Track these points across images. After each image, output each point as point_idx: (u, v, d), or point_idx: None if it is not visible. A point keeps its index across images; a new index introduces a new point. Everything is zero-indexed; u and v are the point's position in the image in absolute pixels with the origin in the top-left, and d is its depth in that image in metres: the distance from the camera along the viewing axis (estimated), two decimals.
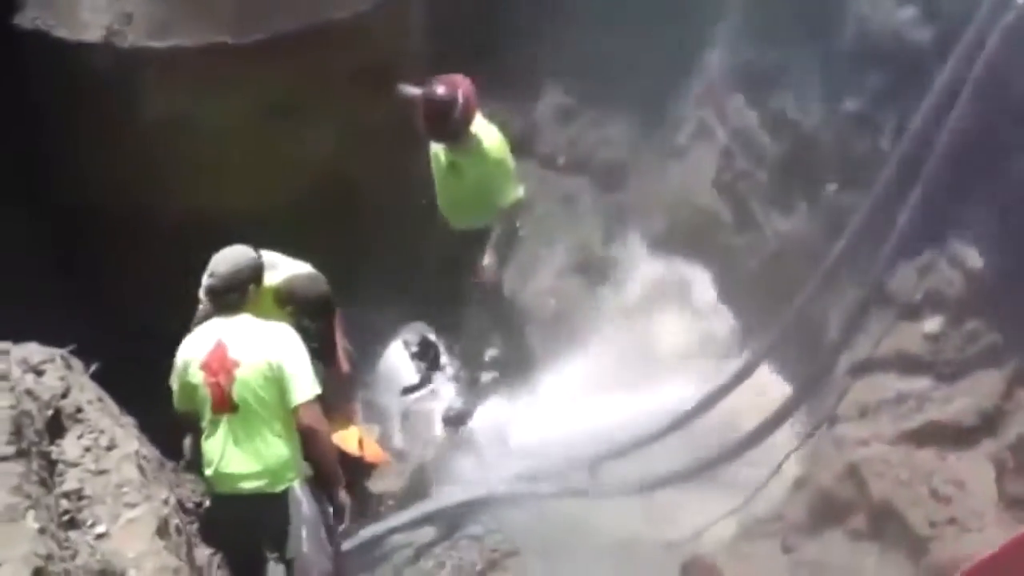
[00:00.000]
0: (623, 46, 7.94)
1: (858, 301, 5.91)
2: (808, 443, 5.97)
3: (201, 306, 5.57)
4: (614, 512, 6.42)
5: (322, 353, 5.94)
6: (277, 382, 5.16)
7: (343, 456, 6.04)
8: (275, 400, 5.18)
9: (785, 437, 6.21)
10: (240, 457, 5.28)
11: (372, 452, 6.59)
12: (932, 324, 5.72)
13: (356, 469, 6.31)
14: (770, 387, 6.59)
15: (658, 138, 8.23)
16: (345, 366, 6.21)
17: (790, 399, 6.14)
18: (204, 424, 5.28)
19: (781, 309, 6.47)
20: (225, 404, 5.19)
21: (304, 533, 5.37)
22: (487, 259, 6.95)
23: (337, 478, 5.47)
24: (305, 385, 5.19)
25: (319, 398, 5.30)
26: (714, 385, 6.42)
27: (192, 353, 5.25)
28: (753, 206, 7.25)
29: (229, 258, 5.37)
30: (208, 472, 5.33)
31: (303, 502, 5.34)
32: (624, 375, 6.97)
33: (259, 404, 5.17)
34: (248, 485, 5.28)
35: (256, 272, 5.40)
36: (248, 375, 5.14)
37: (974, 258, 5.60)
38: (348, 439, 6.31)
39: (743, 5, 7.41)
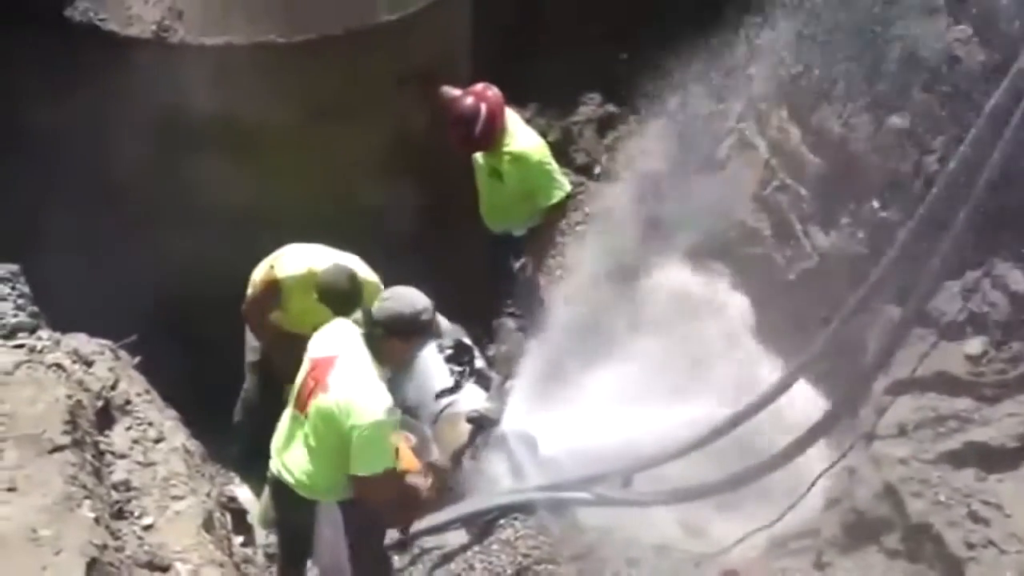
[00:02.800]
0: (663, 56, 7.95)
1: (900, 320, 5.88)
2: (845, 459, 5.93)
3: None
4: (646, 522, 6.43)
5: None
6: (341, 439, 5.11)
7: None
8: (335, 442, 5.15)
9: (821, 453, 6.18)
10: (293, 454, 5.34)
11: (406, 460, 6.63)
12: (974, 345, 5.69)
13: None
14: (807, 402, 6.57)
15: (697, 150, 8.24)
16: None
17: (828, 415, 6.11)
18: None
19: (819, 325, 6.45)
20: (303, 407, 5.24)
21: (320, 545, 5.45)
22: (526, 261, 7.03)
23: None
24: (365, 462, 5.10)
25: None
26: (751, 398, 6.39)
27: (320, 341, 5.37)
28: (793, 221, 7.26)
29: (413, 302, 5.30)
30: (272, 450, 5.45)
31: (327, 516, 5.39)
32: (658, 386, 6.94)
33: (323, 432, 5.19)
34: (290, 479, 5.34)
35: (430, 327, 5.39)
36: (326, 406, 5.13)
37: (1018, 280, 5.59)
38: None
39: (788, 18, 7.41)
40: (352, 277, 6.12)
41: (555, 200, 7.04)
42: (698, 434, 6.27)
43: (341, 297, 6.07)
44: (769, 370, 6.90)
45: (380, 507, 5.37)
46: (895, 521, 5.54)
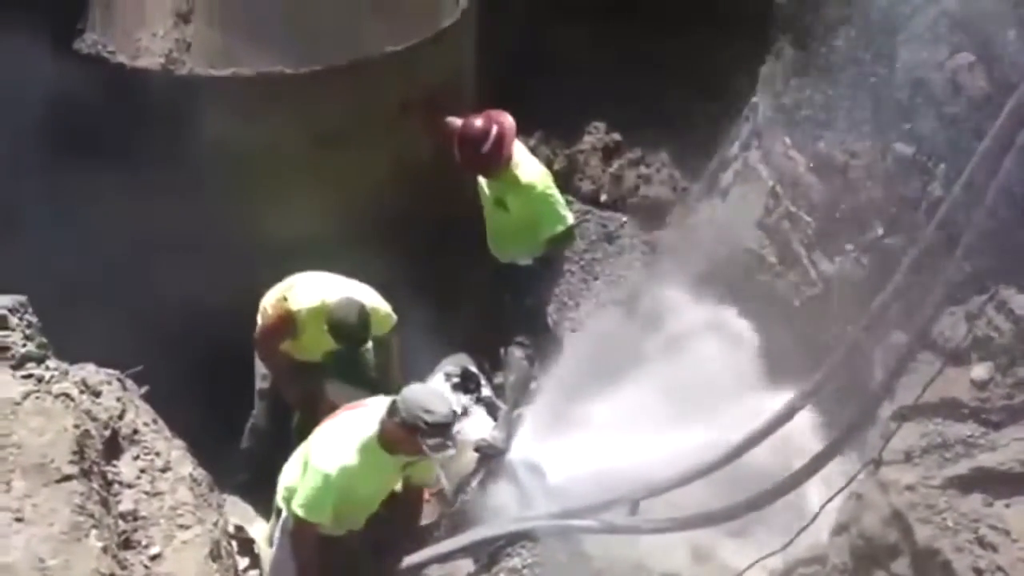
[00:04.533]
0: (668, 84, 7.99)
1: (905, 346, 5.88)
2: (852, 485, 5.92)
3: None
4: (654, 549, 6.42)
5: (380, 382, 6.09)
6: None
7: None
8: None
9: (828, 479, 6.17)
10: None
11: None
12: (980, 371, 5.67)
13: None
14: (812, 429, 6.57)
15: (702, 177, 8.26)
16: None
17: (834, 442, 6.09)
18: None
19: (824, 352, 6.45)
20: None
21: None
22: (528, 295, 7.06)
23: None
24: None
25: None
26: (756, 425, 6.38)
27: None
28: (798, 248, 7.26)
29: (444, 402, 5.63)
30: None
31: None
32: (663, 413, 6.95)
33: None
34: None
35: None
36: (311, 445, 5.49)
37: (1023, 305, 5.59)
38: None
39: (792, 46, 7.44)
40: (362, 311, 6.19)
41: (557, 232, 7.05)
42: (705, 461, 6.26)
43: (351, 332, 6.16)
44: (775, 397, 6.89)
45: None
46: (903, 547, 5.51)
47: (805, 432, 6.48)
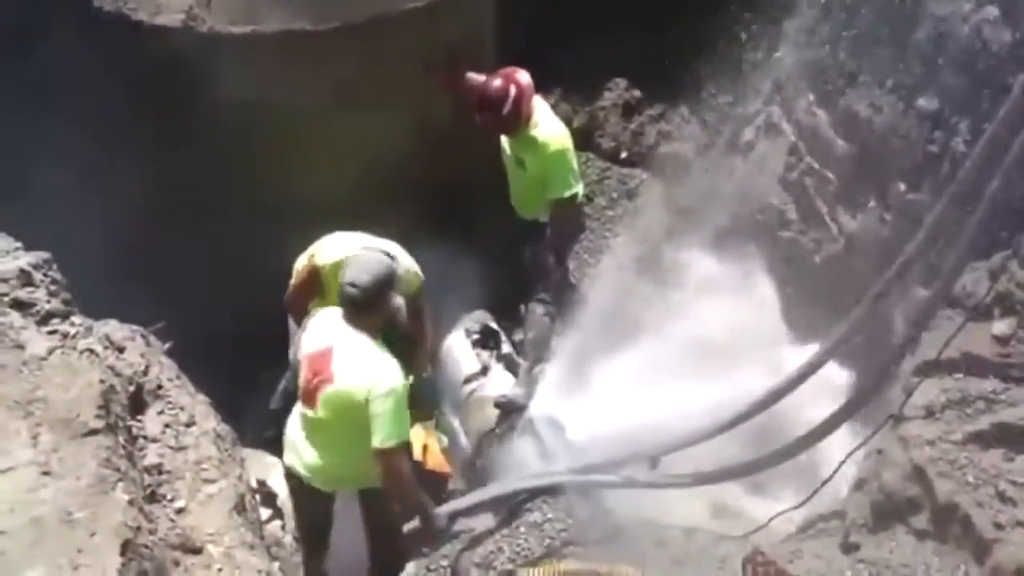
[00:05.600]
0: (689, 40, 7.94)
1: (927, 301, 5.87)
2: (872, 441, 5.93)
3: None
4: (675, 504, 6.45)
5: (412, 336, 6.09)
6: (358, 415, 5.18)
7: None
8: (351, 426, 5.25)
9: (848, 435, 6.18)
10: (307, 450, 5.44)
11: (435, 462, 6.70)
12: (1002, 326, 5.67)
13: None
14: (833, 384, 6.57)
15: (724, 134, 8.24)
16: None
17: (855, 397, 6.09)
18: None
19: (846, 308, 6.43)
20: (311, 403, 5.30)
21: (339, 539, 5.51)
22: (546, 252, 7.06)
23: (415, 513, 5.57)
24: (385, 432, 5.16)
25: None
26: (778, 381, 6.38)
27: (310, 335, 5.42)
28: (820, 204, 7.25)
29: (369, 267, 5.36)
30: (284, 446, 5.48)
31: (347, 509, 5.46)
32: (684, 368, 6.95)
33: (336, 421, 5.30)
34: (305, 473, 5.42)
35: (392, 282, 5.41)
36: (336, 394, 5.23)
37: None
38: (414, 443, 6.42)
39: (814, 1, 7.39)
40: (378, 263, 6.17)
41: (559, 195, 7.02)
42: (726, 416, 6.26)
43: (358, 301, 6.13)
44: (797, 352, 6.89)
45: (407, 496, 5.45)
46: (923, 502, 5.52)
47: (827, 388, 6.48)
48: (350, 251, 6.17)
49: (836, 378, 6.60)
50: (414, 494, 5.53)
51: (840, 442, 6.12)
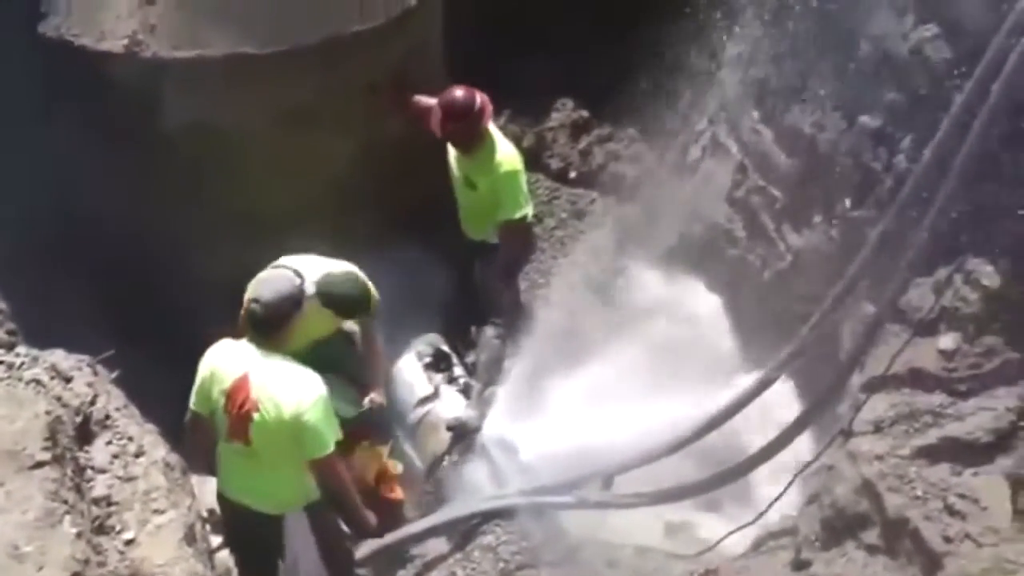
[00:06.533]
0: (635, 61, 7.99)
1: (873, 317, 5.93)
2: (822, 457, 5.98)
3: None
4: (627, 525, 6.47)
5: (365, 360, 6.04)
6: (292, 434, 5.15)
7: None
8: (288, 448, 5.21)
9: (797, 451, 6.23)
10: (246, 483, 5.40)
11: (390, 488, 6.68)
12: (947, 340, 5.72)
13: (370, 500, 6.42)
14: (781, 402, 6.62)
15: (670, 153, 8.29)
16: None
17: (803, 414, 6.15)
18: (219, 440, 5.34)
19: (793, 325, 6.49)
20: (240, 436, 5.24)
21: (296, 557, 5.48)
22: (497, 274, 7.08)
23: (359, 525, 5.59)
24: (319, 441, 5.16)
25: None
26: (727, 399, 6.42)
27: (220, 367, 5.27)
28: (766, 221, 7.30)
29: (272, 285, 5.31)
30: (218, 481, 5.43)
31: (297, 526, 5.43)
32: (634, 388, 6.97)
33: (272, 446, 5.23)
34: (249, 502, 5.38)
35: (298, 301, 5.34)
36: (264, 420, 5.16)
37: (990, 275, 5.63)
38: (367, 472, 6.41)
39: (758, 20, 7.46)
40: (359, 277, 6.15)
41: (510, 217, 7.02)
42: (678, 435, 6.31)
43: (354, 299, 6.16)
44: (747, 370, 6.94)
45: (349, 502, 5.44)
46: (873, 517, 5.57)
47: (776, 405, 6.52)
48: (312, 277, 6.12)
49: (785, 395, 6.65)
50: (354, 496, 5.52)
51: (791, 459, 6.17)
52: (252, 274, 5.83)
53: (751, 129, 7.46)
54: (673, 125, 8.16)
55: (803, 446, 6.27)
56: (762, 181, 7.38)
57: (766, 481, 6.32)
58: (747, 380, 6.45)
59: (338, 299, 6.08)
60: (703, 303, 7.80)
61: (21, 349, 4.61)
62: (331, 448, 5.20)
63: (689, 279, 7.87)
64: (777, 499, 6.01)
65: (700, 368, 7.25)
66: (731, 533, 6.16)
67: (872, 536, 5.60)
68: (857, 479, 5.69)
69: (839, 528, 5.77)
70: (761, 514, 6.08)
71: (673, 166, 8.23)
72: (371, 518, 5.61)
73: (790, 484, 5.99)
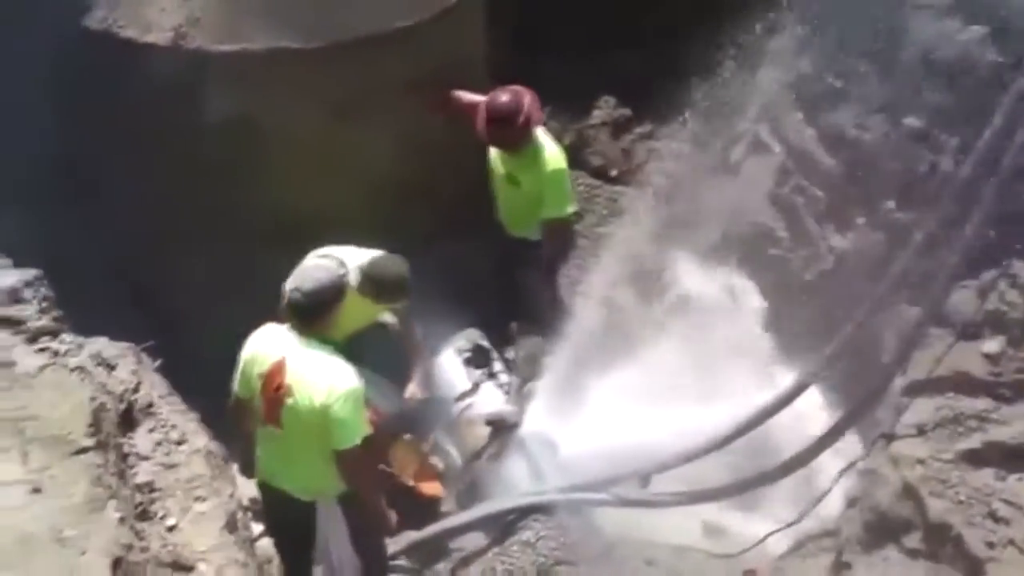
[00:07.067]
0: (678, 59, 7.97)
1: (917, 320, 5.88)
2: (864, 460, 5.94)
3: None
4: (666, 524, 6.45)
5: (405, 355, 6.04)
6: (321, 422, 5.16)
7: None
8: (317, 435, 5.21)
9: (840, 454, 6.19)
10: (279, 467, 5.41)
11: (429, 484, 6.69)
12: (992, 345, 5.69)
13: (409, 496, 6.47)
14: (823, 403, 6.58)
15: (712, 152, 8.25)
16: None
17: (846, 415, 6.11)
18: (258, 424, 5.37)
19: (834, 326, 6.45)
20: (273, 420, 5.26)
21: (328, 545, 5.49)
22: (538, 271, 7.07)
23: (378, 522, 5.57)
24: (344, 435, 5.17)
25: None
26: (766, 399, 6.39)
27: (260, 351, 5.29)
28: (808, 222, 7.27)
29: (314, 275, 5.32)
30: (257, 465, 5.46)
31: (330, 514, 5.44)
32: (674, 387, 6.96)
33: (302, 432, 5.24)
34: (283, 486, 5.40)
35: (340, 290, 5.35)
36: (296, 405, 5.18)
37: None
38: (406, 468, 6.45)
39: (803, 20, 7.42)
40: (401, 261, 6.16)
41: (554, 215, 7.03)
42: (716, 435, 6.28)
43: (396, 283, 6.14)
44: (786, 371, 6.90)
45: (370, 496, 5.45)
46: (915, 521, 5.53)
47: (817, 406, 6.49)
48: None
49: (827, 396, 6.61)
50: (377, 492, 5.55)
51: (832, 461, 6.13)
52: (290, 268, 5.87)
53: (794, 129, 7.43)
54: (716, 123, 8.12)
55: (844, 448, 6.24)
56: (804, 181, 7.35)
57: (806, 482, 6.28)
58: (786, 380, 6.42)
59: (382, 281, 6.07)
60: (743, 302, 7.77)
61: (67, 336, 4.64)
62: (356, 442, 5.20)
63: (730, 278, 7.84)
64: (818, 501, 5.98)
65: (739, 367, 7.24)
66: (771, 534, 6.13)
67: (914, 540, 5.57)
68: (899, 483, 5.66)
69: (880, 532, 5.74)
70: (801, 516, 6.04)
71: (715, 165, 8.19)
72: (391, 517, 5.62)
73: (832, 487, 5.95)
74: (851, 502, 6.02)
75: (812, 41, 7.29)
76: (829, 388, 6.55)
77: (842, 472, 5.99)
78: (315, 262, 5.54)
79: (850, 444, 6.25)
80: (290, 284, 5.31)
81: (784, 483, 6.25)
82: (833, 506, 6.15)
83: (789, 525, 6.09)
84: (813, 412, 6.53)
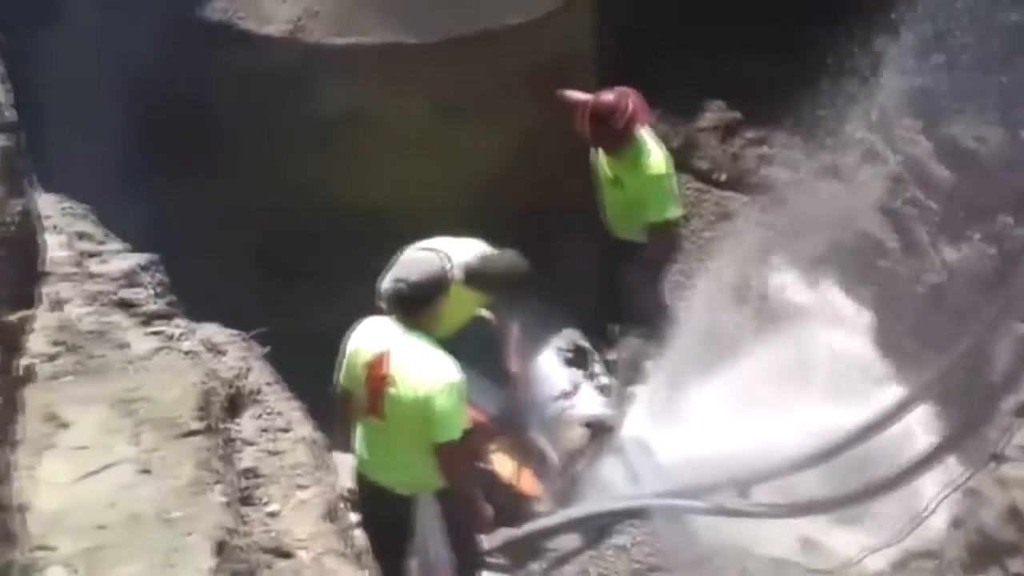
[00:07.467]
0: (791, 64, 7.86)
1: None
2: (970, 480, 5.80)
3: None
4: (762, 534, 6.35)
5: (505, 353, 6.07)
6: (423, 414, 5.14)
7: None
8: (417, 428, 5.19)
9: (944, 472, 6.05)
10: (379, 460, 5.41)
11: (527, 483, 6.69)
12: None
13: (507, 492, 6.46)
14: (928, 420, 6.45)
15: (822, 159, 8.13)
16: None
17: (953, 434, 5.98)
18: (360, 416, 5.40)
19: (944, 342, 6.31)
20: (375, 410, 5.27)
21: (425, 540, 5.49)
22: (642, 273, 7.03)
23: (474, 518, 5.55)
24: (445, 428, 5.14)
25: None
26: (872, 414, 6.27)
27: (364, 342, 5.31)
28: (921, 234, 7.13)
29: (420, 268, 5.31)
30: (356, 458, 5.49)
31: (428, 509, 5.44)
32: (776, 397, 6.87)
33: (403, 424, 5.23)
34: (382, 480, 5.41)
35: (444, 285, 5.33)
36: (398, 395, 5.17)
37: None
38: (504, 465, 6.49)
39: (919, 29, 7.27)
40: (513, 253, 6.18)
41: (657, 219, 7.00)
42: (819, 448, 6.17)
43: (509, 274, 6.15)
44: (894, 385, 6.79)
45: (466, 492, 5.45)
46: (1021, 545, 5.38)
47: (924, 423, 6.36)
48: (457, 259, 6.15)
49: (935, 413, 6.48)
50: (473, 488, 5.53)
51: (936, 479, 6.00)
52: (383, 261, 5.93)
53: (910, 140, 7.29)
54: (829, 131, 7.99)
55: (949, 467, 6.10)
56: (918, 193, 7.21)
57: (908, 500, 6.14)
58: (893, 395, 6.30)
59: (498, 276, 6.08)
60: (850, 313, 7.64)
61: (180, 321, 4.73)
62: (455, 436, 5.18)
63: (836, 288, 7.72)
64: (921, 521, 5.84)
65: (843, 380, 7.13)
66: (870, 552, 6.01)
67: (1018, 564, 5.39)
68: (1005, 505, 5.51)
69: (984, 554, 5.58)
70: (904, 535, 5.91)
71: (826, 173, 8.07)
72: (487, 513, 5.61)
73: (936, 506, 5.81)
74: (955, 523, 5.88)
75: (930, 51, 7.15)
76: (937, 404, 6.43)
77: (948, 493, 5.85)
78: (420, 254, 5.53)
79: (955, 463, 6.11)
80: (395, 275, 5.32)
81: (886, 500, 6.13)
82: (935, 526, 6.00)
83: (889, 544, 5.97)
84: (919, 429, 6.39)
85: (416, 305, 5.24)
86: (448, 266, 5.43)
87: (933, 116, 7.13)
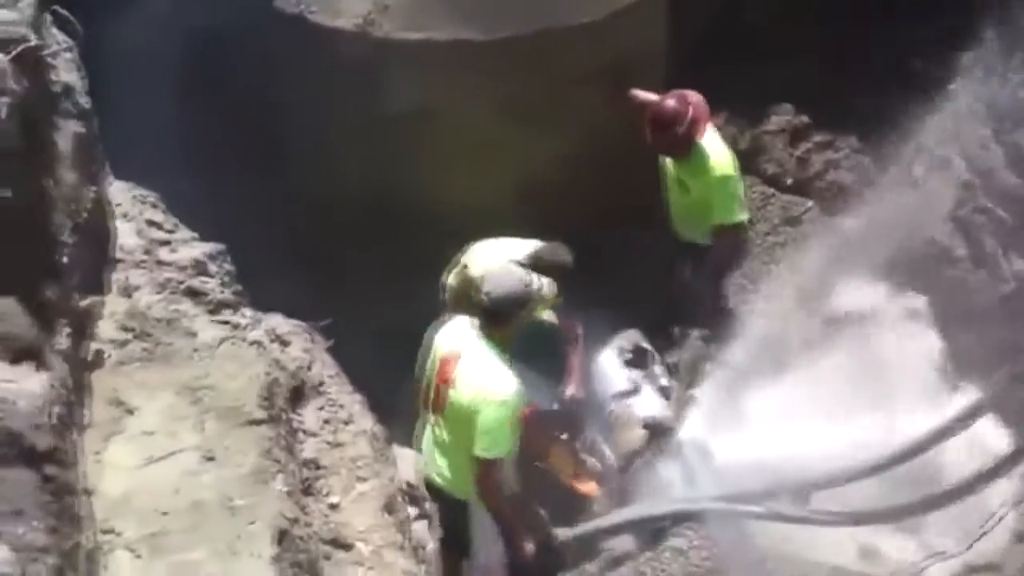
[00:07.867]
0: (863, 68, 7.79)
1: None
2: None
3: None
4: (822, 542, 6.29)
5: (565, 353, 6.07)
6: (469, 423, 5.28)
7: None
8: (468, 433, 5.33)
9: (1008, 485, 5.97)
10: (437, 457, 5.50)
11: (584, 484, 6.68)
12: None
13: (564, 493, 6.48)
14: (996, 432, 6.36)
15: (891, 166, 8.03)
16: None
17: (1018, 447, 5.90)
18: (423, 414, 5.48)
19: (1011, 351, 6.22)
20: (438, 406, 5.36)
21: (478, 542, 5.53)
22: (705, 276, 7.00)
23: (512, 530, 5.62)
24: (487, 442, 5.26)
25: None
26: (938, 424, 6.19)
27: (443, 340, 5.50)
28: (991, 244, 7.02)
29: (504, 283, 5.44)
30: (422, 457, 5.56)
31: (482, 513, 5.48)
32: (839, 404, 6.80)
33: (456, 427, 5.39)
34: (439, 480, 5.46)
35: (525, 302, 5.47)
36: (456, 398, 5.33)
37: None
38: (562, 465, 6.53)
39: (994, 36, 7.17)
40: (567, 250, 6.25)
41: (722, 222, 6.97)
42: (881, 457, 6.11)
43: (564, 265, 6.21)
44: (957, 394, 6.69)
45: (500, 511, 5.51)
46: None
47: (988, 434, 6.26)
48: (512, 255, 6.18)
49: (996, 425, 6.38)
50: (504, 508, 5.57)
51: (1000, 492, 5.92)
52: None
53: (981, 148, 7.18)
54: (898, 137, 7.89)
55: (1014, 479, 6.02)
56: (989, 201, 7.10)
57: (970, 512, 6.07)
58: (957, 405, 6.21)
59: (545, 264, 6.10)
60: (915, 322, 7.54)
61: (246, 311, 4.77)
62: (493, 455, 5.29)
63: (902, 296, 7.61)
64: (984, 533, 5.78)
65: (907, 388, 7.04)
66: (931, 563, 5.94)
67: None
68: None
69: None
70: (963, 547, 5.85)
71: (894, 179, 7.96)
72: (525, 547, 5.64)
73: (999, 519, 5.74)
74: (1018, 536, 5.81)
75: (1003, 59, 7.04)
76: (1003, 415, 6.33)
77: (1011, 506, 5.78)
78: (506, 268, 5.62)
79: (1019, 475, 6.03)
80: (484, 287, 5.44)
81: (947, 511, 6.06)
82: (998, 539, 5.93)
83: (951, 556, 5.90)
84: (984, 440, 6.30)
85: (495, 317, 5.40)
86: (533, 287, 5.49)
87: (1006, 124, 7.01)
